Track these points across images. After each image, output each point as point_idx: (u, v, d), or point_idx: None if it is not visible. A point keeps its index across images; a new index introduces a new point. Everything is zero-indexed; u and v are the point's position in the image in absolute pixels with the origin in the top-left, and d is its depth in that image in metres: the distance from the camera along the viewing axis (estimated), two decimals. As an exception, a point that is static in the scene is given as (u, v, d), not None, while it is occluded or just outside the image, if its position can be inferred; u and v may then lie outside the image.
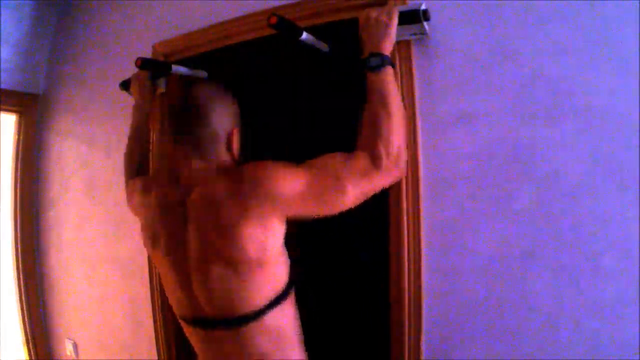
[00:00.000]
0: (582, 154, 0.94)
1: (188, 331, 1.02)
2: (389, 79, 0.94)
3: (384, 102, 0.92)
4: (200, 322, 0.96)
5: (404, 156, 0.94)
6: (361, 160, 0.89)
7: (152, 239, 1.00)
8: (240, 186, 0.87)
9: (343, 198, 0.88)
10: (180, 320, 1.03)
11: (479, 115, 1.04)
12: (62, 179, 2.04)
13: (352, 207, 0.90)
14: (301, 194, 0.86)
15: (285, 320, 0.93)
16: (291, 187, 0.86)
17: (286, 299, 0.93)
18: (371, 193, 0.92)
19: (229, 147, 0.95)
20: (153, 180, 1.11)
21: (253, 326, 0.89)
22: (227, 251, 0.86)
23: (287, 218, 0.90)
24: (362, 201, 0.91)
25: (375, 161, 0.89)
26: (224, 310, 0.90)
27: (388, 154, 0.89)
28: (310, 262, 1.23)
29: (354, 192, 0.88)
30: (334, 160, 0.90)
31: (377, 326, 1.17)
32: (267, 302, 0.89)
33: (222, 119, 0.94)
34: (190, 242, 0.91)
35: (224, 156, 0.95)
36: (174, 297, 1.01)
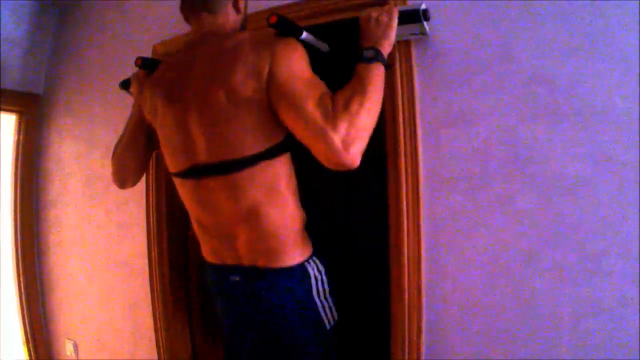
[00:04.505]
0: (582, 154, 0.94)
1: (181, 186, 1.05)
2: (377, 73, 0.91)
3: (362, 90, 0.87)
4: (194, 171, 0.98)
5: (360, 146, 0.84)
6: (326, 112, 0.83)
7: (153, 93, 1.05)
8: (264, 36, 0.92)
9: (299, 122, 0.85)
10: (174, 178, 1.06)
11: (479, 115, 1.04)
12: (62, 179, 2.04)
13: (301, 142, 0.87)
14: (292, 77, 0.87)
15: (278, 176, 0.95)
16: (294, 66, 0.88)
17: (280, 156, 0.94)
18: (315, 146, 0.84)
19: (235, 4, 1.01)
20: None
21: (243, 174, 0.92)
22: (221, 75, 0.90)
23: (268, 87, 0.88)
24: (306, 144, 0.86)
25: (333, 123, 0.82)
26: (218, 154, 0.93)
27: (348, 130, 0.82)
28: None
29: (307, 125, 0.84)
30: (319, 95, 0.86)
31: (377, 326, 1.17)
32: (258, 152, 0.91)
33: None
34: (193, 80, 0.95)
35: (231, 12, 1.01)
36: (172, 151, 1.03)
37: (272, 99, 0.89)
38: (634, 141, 0.89)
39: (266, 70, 0.88)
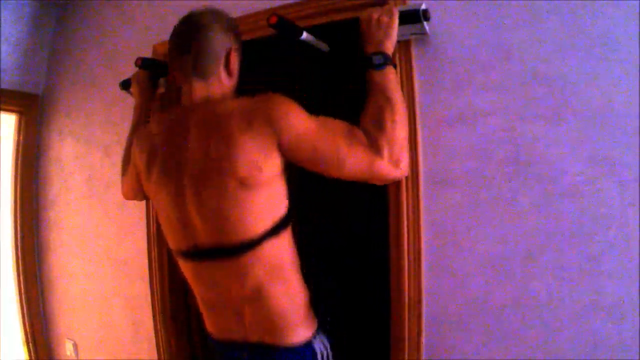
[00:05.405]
0: (582, 154, 0.94)
1: (183, 265, 1.02)
2: (392, 77, 0.94)
3: (388, 100, 0.91)
4: (196, 253, 0.95)
5: (406, 155, 0.93)
6: (363, 145, 0.88)
7: (147, 164, 1.00)
8: (251, 105, 0.88)
9: (339, 169, 0.88)
10: (175, 255, 1.03)
11: (479, 115, 1.04)
12: (62, 179, 2.04)
13: (346, 180, 0.90)
14: (303, 137, 0.86)
15: (282, 253, 0.93)
16: (298, 126, 0.86)
17: (284, 230, 0.93)
18: (366, 178, 0.90)
19: (227, 66, 0.97)
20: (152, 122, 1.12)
21: (249, 256, 0.89)
22: (224, 162, 0.86)
23: (285, 157, 0.89)
24: (356, 180, 0.90)
25: (377, 151, 0.87)
26: (221, 237, 0.90)
27: (391, 149, 0.88)
28: (311, 261, 1.23)
29: (351, 167, 0.87)
30: (345, 133, 0.89)
31: (377, 326, 1.17)
32: (264, 231, 0.88)
33: (221, 37, 0.96)
34: (188, 156, 0.91)
35: (223, 76, 0.97)
36: (170, 229, 1.00)
37: (301, 164, 0.89)
38: (634, 141, 0.89)
39: (273, 142, 0.85)
